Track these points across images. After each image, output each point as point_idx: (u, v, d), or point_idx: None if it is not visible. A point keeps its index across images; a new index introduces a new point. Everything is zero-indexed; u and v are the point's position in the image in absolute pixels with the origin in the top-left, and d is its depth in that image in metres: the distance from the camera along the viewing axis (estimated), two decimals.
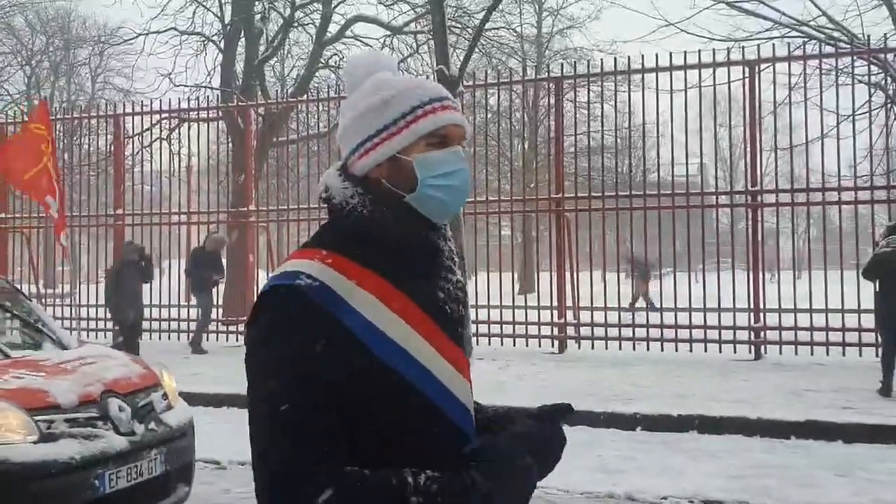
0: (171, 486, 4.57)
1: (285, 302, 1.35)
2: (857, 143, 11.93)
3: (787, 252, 18.34)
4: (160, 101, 15.61)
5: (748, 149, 12.03)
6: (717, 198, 14.12)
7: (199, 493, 4.94)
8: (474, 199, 13.27)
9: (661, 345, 12.01)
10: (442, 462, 1.36)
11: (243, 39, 19.95)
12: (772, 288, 11.48)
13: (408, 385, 1.38)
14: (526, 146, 15.86)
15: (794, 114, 11.77)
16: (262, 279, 14.65)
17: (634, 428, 7.92)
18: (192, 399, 6.55)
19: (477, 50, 19.05)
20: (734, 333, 11.76)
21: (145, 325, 14.90)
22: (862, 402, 8.40)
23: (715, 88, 12.92)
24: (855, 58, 12.46)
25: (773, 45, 12.42)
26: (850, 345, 11.15)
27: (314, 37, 20.59)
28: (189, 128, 15.65)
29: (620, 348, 12.24)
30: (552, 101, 13.72)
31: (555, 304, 12.75)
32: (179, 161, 16.19)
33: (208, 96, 16.88)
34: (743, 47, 12.43)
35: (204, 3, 20.76)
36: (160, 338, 14.64)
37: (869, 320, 10.80)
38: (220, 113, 16.54)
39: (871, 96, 12.61)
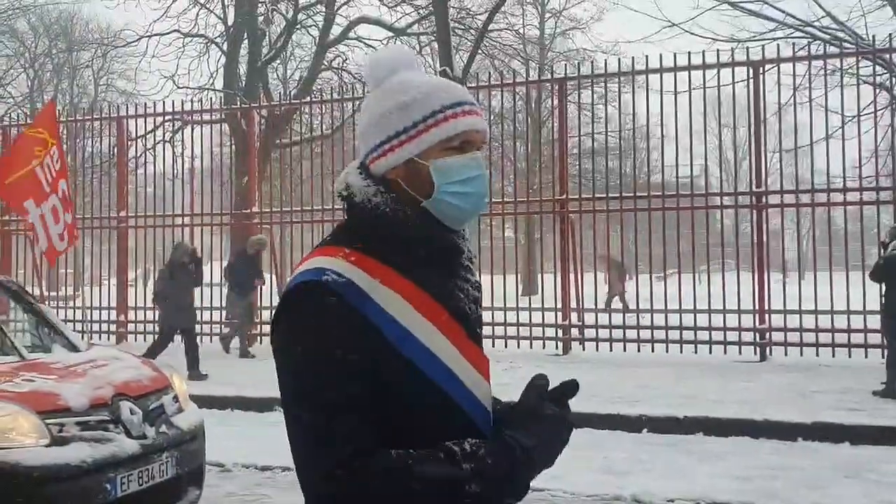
0: (183, 490, 4.57)
1: (313, 298, 1.36)
2: (862, 143, 11.95)
3: (791, 253, 18.34)
4: (163, 103, 15.63)
5: (753, 150, 12.02)
6: (721, 199, 14.12)
7: (204, 496, 4.93)
8: None
9: (666, 346, 12.00)
10: None
11: (246, 41, 19.98)
12: (778, 289, 11.46)
13: (431, 384, 1.39)
14: (529, 148, 15.86)
15: (799, 115, 11.75)
16: (265, 281, 14.66)
17: (640, 430, 7.91)
18: (197, 402, 6.56)
19: (480, 51, 19.06)
20: (739, 335, 11.75)
21: (148, 327, 14.94)
22: (868, 403, 8.39)
23: (719, 89, 12.92)
24: (859, 58, 12.45)
25: (778, 45, 12.42)
26: (856, 346, 11.14)
27: (317, 39, 20.61)
28: (192, 130, 15.66)
29: (625, 350, 12.23)
30: (555, 102, 13.71)
31: (559, 305, 12.74)
32: (182, 163, 16.21)
33: (211, 98, 16.90)
34: (747, 48, 12.45)
35: (207, 6, 20.79)
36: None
37: (874, 322, 10.80)
38: (224, 115, 16.54)
39: (875, 97, 12.60)
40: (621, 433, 7.81)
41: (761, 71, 11.88)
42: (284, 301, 1.41)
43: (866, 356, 10.96)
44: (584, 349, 12.63)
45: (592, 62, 14.38)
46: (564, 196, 12.86)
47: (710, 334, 11.84)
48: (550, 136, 13.81)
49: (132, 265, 16.05)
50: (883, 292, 9.18)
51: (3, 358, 4.69)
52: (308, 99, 15.87)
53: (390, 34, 20.78)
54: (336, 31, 20.60)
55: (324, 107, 15.33)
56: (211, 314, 14.95)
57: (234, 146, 16.39)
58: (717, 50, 12.24)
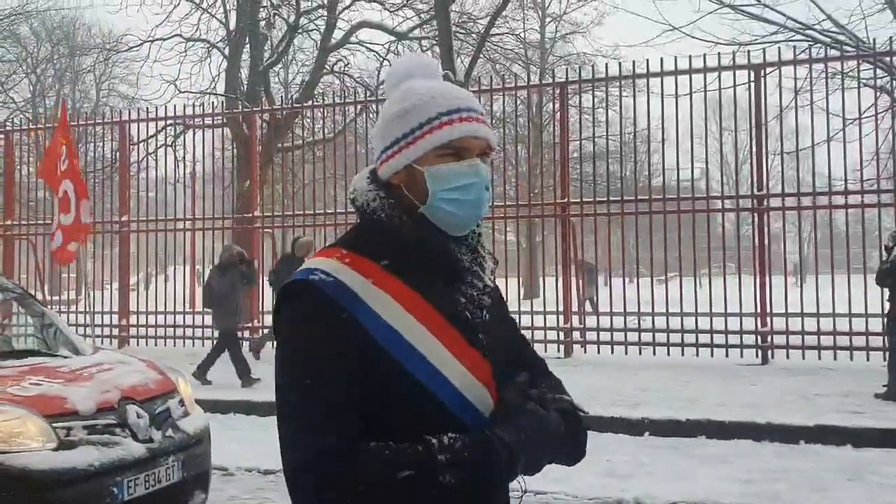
0: (189, 494, 4.58)
1: (299, 297, 1.41)
2: (863, 146, 11.96)
3: (793, 256, 18.34)
4: (165, 107, 15.67)
5: (754, 153, 12.05)
6: (722, 202, 14.13)
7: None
8: None
9: (668, 349, 12.01)
10: None
11: (248, 46, 20.02)
12: (780, 292, 11.47)
13: (419, 385, 1.40)
14: (530, 151, 15.88)
15: (800, 117, 11.77)
16: (267, 285, 14.69)
17: (642, 433, 7.91)
18: (200, 405, 6.57)
19: (481, 56, 19.10)
20: (741, 338, 11.75)
21: (151, 331, 14.97)
22: (871, 406, 8.39)
23: (720, 93, 12.94)
24: (860, 61, 12.47)
25: (779, 48, 12.44)
26: (858, 349, 11.15)
27: (319, 43, 20.64)
28: (194, 134, 15.71)
29: (626, 353, 12.24)
30: (556, 106, 13.73)
31: (560, 308, 12.76)
32: (184, 167, 16.24)
33: (213, 102, 16.95)
34: (748, 51, 12.46)
35: (209, 10, 20.84)
36: (165, 344, 14.65)
37: (876, 324, 10.80)
38: (225, 119, 16.58)
39: (876, 100, 12.62)
40: (623, 436, 7.81)
41: (762, 74, 11.90)
42: (279, 299, 1.46)
43: (868, 359, 10.97)
44: (585, 352, 12.64)
45: (593, 66, 14.41)
46: (565, 199, 12.88)
47: (711, 337, 11.84)
48: (551, 140, 13.81)
49: (134, 269, 16.08)
50: (888, 297, 9.18)
51: (11, 362, 4.70)
52: (310, 103, 15.90)
53: (392, 38, 20.82)
54: (338, 35, 20.64)
55: (325, 111, 15.35)
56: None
57: (235, 150, 16.43)
58: (718, 53, 12.27)
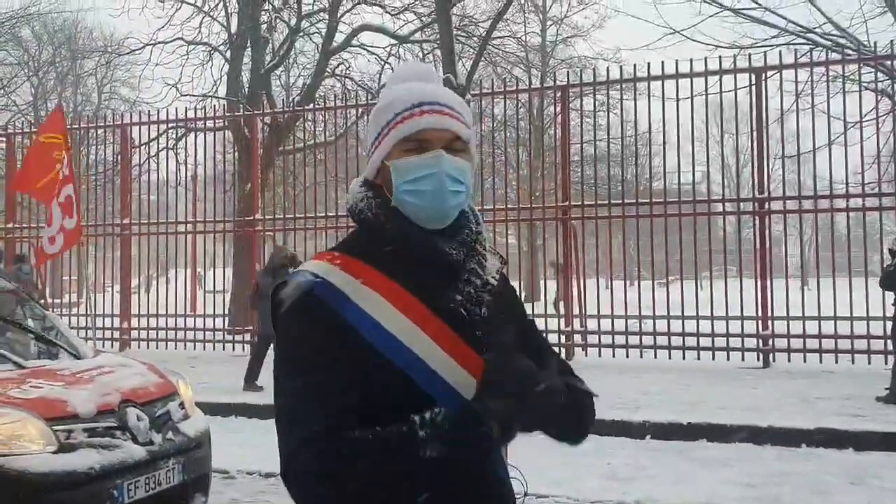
0: (189, 496, 4.58)
1: (287, 299, 1.44)
2: (865, 149, 11.95)
3: (794, 259, 18.33)
4: (166, 110, 15.69)
5: (755, 156, 12.05)
6: (723, 205, 14.13)
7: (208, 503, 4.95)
8: (481, 207, 13.29)
9: (669, 353, 12.00)
10: (451, 464, 1.37)
11: (249, 49, 20.03)
12: (781, 295, 11.47)
13: (411, 382, 1.41)
14: (532, 154, 15.88)
15: (801, 121, 11.78)
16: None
17: (643, 436, 7.90)
18: (200, 408, 6.57)
19: (482, 59, 19.10)
20: (742, 341, 11.75)
21: (152, 334, 14.97)
22: (872, 409, 8.39)
23: (721, 96, 12.94)
24: (861, 65, 12.47)
25: (780, 52, 12.47)
26: (859, 352, 11.15)
27: (320, 46, 20.63)
28: (195, 137, 15.71)
29: (627, 356, 12.23)
30: (558, 109, 13.75)
31: (561, 311, 12.75)
32: (186, 170, 16.25)
33: (214, 106, 16.94)
34: (749, 55, 12.46)
35: (210, 14, 20.86)
36: (166, 347, 14.65)
37: (877, 328, 10.79)
38: (227, 122, 16.60)
39: (877, 103, 12.62)
40: (624, 439, 7.80)
41: (763, 77, 11.91)
42: (273, 301, 1.49)
43: (869, 362, 10.97)
44: (586, 355, 12.63)
45: (594, 69, 14.43)
46: (566, 202, 12.89)
47: (712, 340, 11.84)
48: (553, 143, 13.82)
49: (135, 272, 16.08)
50: (893, 300, 9.17)
51: (11, 364, 4.70)
52: (311, 106, 15.91)
53: (393, 42, 20.83)
54: (339, 38, 20.63)
55: (327, 114, 15.37)
56: (214, 321, 14.97)
57: (236, 153, 16.44)
58: (720, 57, 12.30)
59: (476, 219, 1.59)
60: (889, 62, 12.11)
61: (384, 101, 1.54)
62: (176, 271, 15.86)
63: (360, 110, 14.33)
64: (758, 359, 11.65)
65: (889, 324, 9.57)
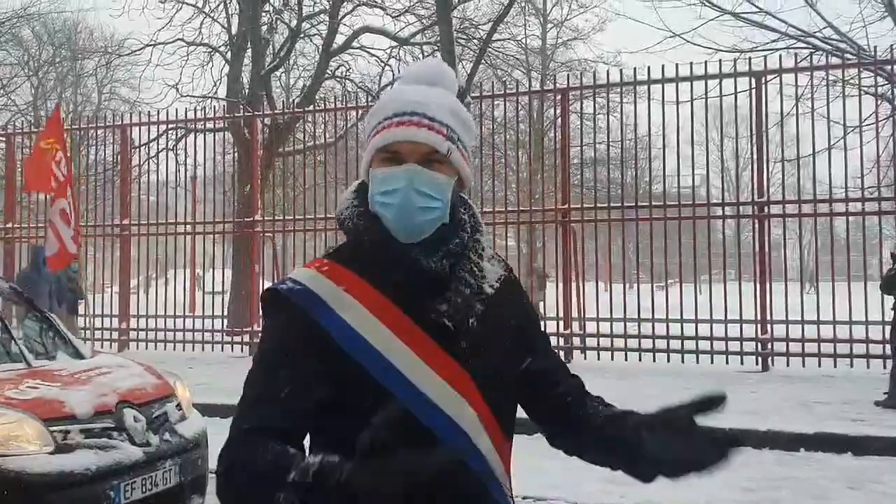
0: (186, 498, 4.57)
1: (266, 303, 1.46)
2: (864, 154, 11.96)
3: (793, 263, 18.34)
4: (166, 111, 15.69)
5: (755, 160, 12.05)
6: (723, 209, 14.13)
7: None
8: (481, 209, 13.29)
9: (668, 356, 12.00)
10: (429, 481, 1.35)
11: (250, 50, 20.04)
12: (780, 299, 11.47)
13: (385, 392, 1.37)
14: (531, 157, 15.89)
15: (801, 125, 11.78)
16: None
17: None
18: (198, 409, 6.55)
19: (483, 61, 19.11)
20: (741, 345, 11.75)
21: (151, 335, 14.95)
22: (871, 414, 8.37)
23: (721, 99, 12.94)
24: (861, 69, 12.48)
25: (780, 56, 12.50)
26: (858, 356, 11.14)
27: (320, 48, 20.65)
28: (195, 138, 15.71)
29: (626, 359, 12.22)
30: (558, 112, 13.75)
31: (561, 314, 12.75)
32: (185, 171, 16.24)
33: (214, 107, 16.94)
34: (749, 58, 12.47)
35: (211, 15, 20.88)
36: (165, 348, 14.64)
37: (876, 332, 10.80)
38: (227, 123, 16.59)
39: (877, 107, 12.63)
40: None
41: (763, 81, 11.92)
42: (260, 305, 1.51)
43: (868, 366, 10.96)
44: (585, 358, 12.63)
45: (594, 72, 14.43)
46: (566, 205, 12.88)
47: (711, 344, 11.84)
48: (552, 146, 13.83)
49: (135, 273, 16.08)
50: (892, 305, 9.16)
51: (9, 365, 4.70)
52: (311, 107, 15.91)
53: (394, 44, 20.85)
54: (339, 40, 20.66)
55: (327, 115, 15.38)
56: (213, 323, 14.96)
57: (236, 154, 16.44)
58: (720, 60, 12.29)
59: (475, 226, 1.54)
60: (889, 66, 12.12)
61: (377, 104, 1.53)
62: (175, 272, 15.86)
63: (360, 112, 14.33)
64: (757, 363, 11.64)
65: (889, 328, 9.56)
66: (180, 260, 16.02)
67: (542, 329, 1.68)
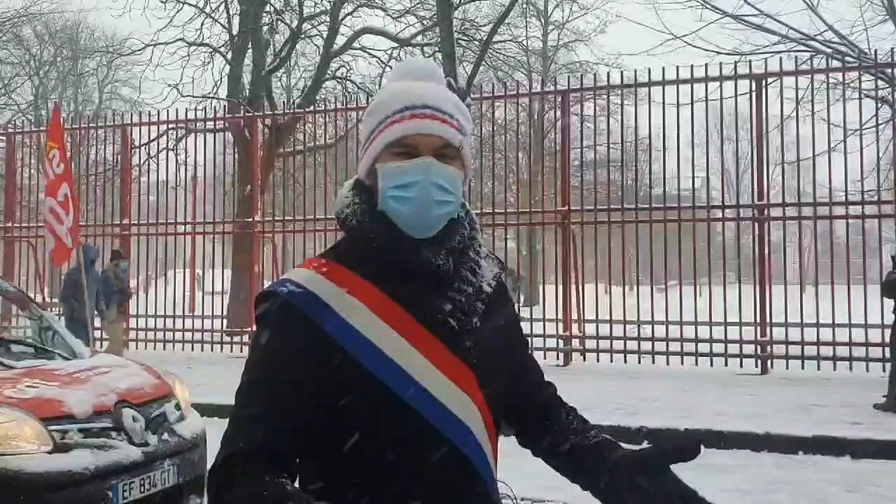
0: (184, 498, 4.56)
1: (264, 306, 1.40)
2: (864, 157, 11.96)
3: (793, 266, 18.33)
4: (167, 111, 15.70)
5: (755, 162, 12.05)
6: (723, 211, 14.13)
7: None
8: (480, 211, 13.29)
9: (667, 358, 12.00)
10: (433, 479, 1.36)
11: (251, 51, 20.05)
12: (779, 302, 11.47)
13: (393, 395, 1.35)
14: (532, 159, 15.89)
15: (801, 128, 11.79)
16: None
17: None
18: (197, 410, 6.55)
19: (483, 63, 19.10)
20: (740, 347, 11.75)
21: (150, 335, 14.95)
22: (870, 417, 8.37)
23: (722, 102, 12.94)
24: (861, 72, 12.48)
25: (781, 59, 12.48)
26: (857, 359, 11.14)
27: (321, 48, 20.66)
28: (195, 138, 15.71)
29: (626, 361, 12.23)
30: (559, 113, 13.75)
31: (560, 316, 12.74)
32: (185, 171, 16.23)
33: (215, 107, 16.95)
34: (750, 61, 12.47)
35: (212, 15, 20.88)
36: (164, 348, 14.64)
37: (875, 335, 10.79)
38: (227, 123, 16.59)
39: (877, 111, 12.63)
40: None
41: (763, 84, 11.93)
42: (255, 308, 1.44)
43: (867, 370, 10.96)
44: (584, 360, 12.63)
45: (595, 74, 14.43)
46: (566, 207, 12.88)
47: (711, 346, 11.84)
48: (553, 148, 13.83)
49: (134, 273, 16.08)
50: (893, 308, 9.15)
51: (7, 364, 4.69)
52: (311, 108, 15.92)
53: (394, 45, 20.85)
54: (340, 41, 20.66)
55: (327, 116, 15.38)
56: (212, 323, 14.96)
57: (237, 155, 16.44)
58: (720, 63, 12.30)
59: (471, 223, 1.53)
60: (889, 70, 12.13)
61: (377, 101, 1.49)
62: (175, 272, 15.85)
63: (360, 113, 14.33)
64: (756, 365, 11.64)
65: (889, 331, 9.54)
66: (180, 260, 16.00)
67: (521, 330, 1.68)
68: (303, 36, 21.18)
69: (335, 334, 1.36)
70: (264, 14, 20.04)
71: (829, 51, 14.10)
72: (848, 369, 11.14)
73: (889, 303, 9.38)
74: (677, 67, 12.10)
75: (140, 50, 22.25)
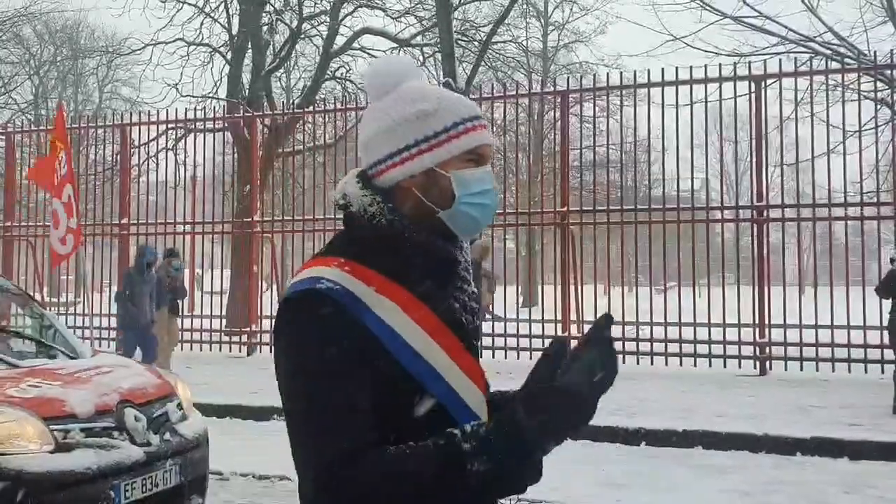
0: (186, 498, 4.57)
1: (310, 306, 1.36)
2: (863, 159, 11.98)
3: (792, 267, 18.36)
4: (167, 111, 15.69)
5: (754, 164, 12.07)
6: (722, 212, 14.15)
7: None
8: None
9: (666, 359, 11.99)
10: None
11: (250, 51, 20.06)
12: (778, 303, 11.49)
13: (426, 393, 1.39)
14: (531, 159, 15.91)
15: (800, 129, 11.80)
16: (266, 290, 14.68)
17: (639, 443, 7.90)
18: (197, 409, 6.57)
19: (483, 63, 19.12)
20: (739, 348, 11.75)
21: None
22: (869, 418, 8.38)
23: (721, 103, 12.96)
24: (861, 74, 12.51)
25: (780, 60, 12.48)
26: (856, 361, 11.15)
27: (321, 48, 20.67)
28: (195, 138, 15.72)
29: (624, 362, 12.17)
30: (558, 114, 13.77)
31: (559, 317, 12.75)
32: (185, 171, 16.24)
33: (214, 107, 16.97)
34: (749, 62, 12.49)
35: (212, 15, 20.89)
36: None
37: (875, 336, 10.81)
38: (226, 123, 16.60)
39: (876, 112, 12.66)
40: (620, 446, 7.81)
41: (763, 85, 11.93)
42: (283, 311, 1.41)
43: (866, 371, 10.98)
44: None
45: (595, 75, 14.45)
46: (565, 208, 12.90)
47: (709, 348, 11.84)
48: (552, 149, 13.84)
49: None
50: (889, 309, 9.16)
51: (10, 363, 4.70)
52: (311, 108, 15.93)
53: (394, 45, 20.87)
54: (340, 41, 20.67)
55: (326, 116, 15.39)
56: (210, 322, 14.95)
57: (236, 155, 16.46)
58: (720, 64, 12.31)
59: None
60: (889, 71, 12.15)
61: (430, 104, 1.46)
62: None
63: (359, 113, 14.34)
64: (755, 366, 11.65)
65: (887, 333, 9.56)
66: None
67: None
68: (302, 36, 21.20)
69: (377, 332, 1.37)
70: (264, 14, 20.06)
71: (828, 52, 14.12)
72: (847, 371, 11.15)
73: (887, 304, 9.40)
74: (677, 68, 12.11)
75: (140, 49, 22.28)
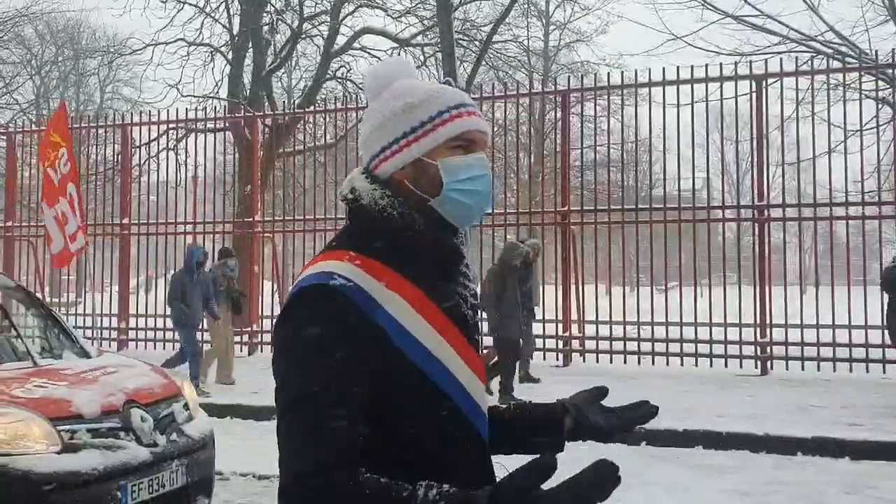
0: (192, 498, 4.58)
1: (321, 301, 1.35)
2: (865, 158, 11.99)
3: (793, 267, 18.38)
4: (167, 111, 15.70)
5: (755, 163, 12.08)
6: (723, 212, 14.16)
7: None
8: None
9: (667, 359, 12.01)
10: (465, 466, 1.42)
11: (251, 51, 20.07)
12: (779, 303, 11.50)
13: (437, 390, 1.41)
14: (532, 159, 15.91)
15: (802, 128, 11.82)
16: (267, 290, 14.68)
17: (639, 443, 7.90)
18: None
19: (484, 63, 19.13)
20: (740, 348, 11.77)
21: (150, 334, 14.94)
22: (870, 418, 8.38)
23: (722, 102, 12.96)
24: (862, 73, 12.52)
25: (781, 59, 12.53)
26: (857, 360, 11.17)
27: (322, 48, 20.69)
28: (196, 138, 15.73)
29: (625, 362, 12.24)
30: (559, 114, 13.78)
31: (560, 317, 12.77)
32: (186, 171, 16.26)
33: (215, 107, 16.98)
34: (750, 62, 12.50)
35: (212, 15, 20.90)
36: (164, 347, 14.64)
37: (876, 336, 10.82)
38: (227, 123, 16.61)
39: (878, 111, 12.67)
40: (620, 446, 7.74)
41: (764, 85, 11.95)
42: (292, 303, 1.39)
43: (867, 370, 10.99)
44: (584, 361, 12.65)
45: (596, 75, 14.46)
46: (566, 208, 12.91)
47: (710, 347, 11.85)
48: (553, 148, 13.86)
49: (135, 272, 16.10)
50: (888, 300, 9.16)
51: (16, 364, 4.72)
52: (312, 108, 15.94)
53: (395, 45, 20.87)
54: (341, 41, 20.69)
55: (327, 116, 15.40)
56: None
57: (237, 155, 16.47)
58: (721, 63, 12.32)
59: None
60: (890, 70, 12.17)
61: (416, 97, 1.48)
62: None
63: (360, 113, 14.35)
64: (756, 366, 11.66)
65: (887, 332, 9.56)
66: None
67: None
68: (303, 36, 21.21)
69: (387, 329, 1.37)
70: (265, 14, 20.06)
71: (829, 51, 14.14)
72: (848, 370, 11.16)
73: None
74: (678, 68, 12.13)
75: (141, 50, 22.28)
